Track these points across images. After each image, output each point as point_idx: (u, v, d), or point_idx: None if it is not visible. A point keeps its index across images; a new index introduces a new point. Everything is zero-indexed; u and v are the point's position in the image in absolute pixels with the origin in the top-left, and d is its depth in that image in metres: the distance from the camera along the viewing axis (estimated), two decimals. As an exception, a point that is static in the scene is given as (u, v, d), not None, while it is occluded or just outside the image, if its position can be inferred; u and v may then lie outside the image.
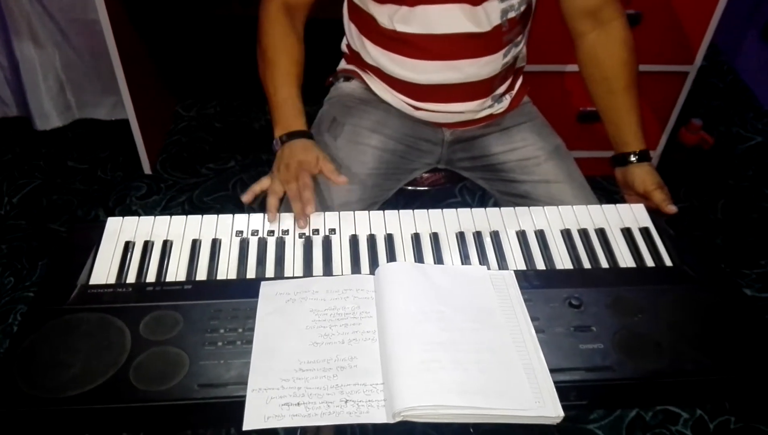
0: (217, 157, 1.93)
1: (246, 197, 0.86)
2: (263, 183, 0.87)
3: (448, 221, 0.84)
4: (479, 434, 1.21)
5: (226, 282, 0.75)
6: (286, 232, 0.82)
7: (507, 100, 1.06)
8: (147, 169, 1.88)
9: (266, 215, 0.83)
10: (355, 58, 1.05)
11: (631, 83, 0.94)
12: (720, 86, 2.24)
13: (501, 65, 0.98)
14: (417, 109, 1.02)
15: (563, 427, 1.29)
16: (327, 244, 0.80)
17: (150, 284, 0.73)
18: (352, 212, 0.84)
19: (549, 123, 1.09)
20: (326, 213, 0.84)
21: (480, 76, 0.96)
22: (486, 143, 1.06)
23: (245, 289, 0.71)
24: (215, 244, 0.80)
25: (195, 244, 0.79)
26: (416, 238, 0.81)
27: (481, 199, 1.75)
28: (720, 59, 2.34)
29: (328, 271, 0.76)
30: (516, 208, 0.86)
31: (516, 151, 1.04)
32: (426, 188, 1.10)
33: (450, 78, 0.95)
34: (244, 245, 0.80)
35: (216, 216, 0.83)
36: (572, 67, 1.63)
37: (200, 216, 0.83)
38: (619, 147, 0.95)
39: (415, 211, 0.86)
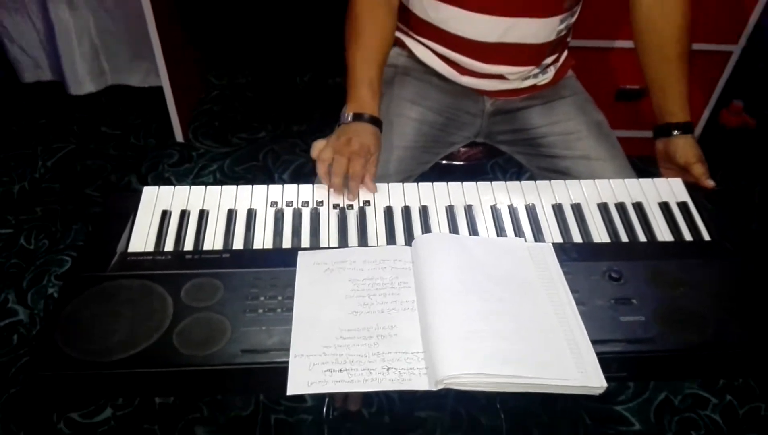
0: (249, 126, 1.93)
1: (313, 152, 0.86)
2: (320, 144, 0.86)
3: (482, 194, 0.84)
4: (507, 415, 1.21)
5: (263, 251, 0.75)
6: (320, 203, 0.83)
7: (552, 72, 1.05)
8: (179, 137, 1.88)
9: (315, 181, 0.83)
10: (400, 19, 1.02)
11: (684, 51, 0.93)
12: (764, 68, 2.18)
13: (556, 32, 0.97)
14: (463, 72, 1.02)
15: (591, 407, 1.29)
16: (362, 215, 0.81)
17: (188, 252, 0.74)
18: (386, 185, 0.85)
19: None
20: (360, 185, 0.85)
21: (535, 39, 0.95)
22: (527, 116, 1.05)
23: (282, 258, 0.72)
24: (251, 214, 0.80)
25: (231, 214, 0.80)
26: (450, 211, 0.81)
27: (514, 177, 1.74)
28: (766, 40, 2.27)
29: (363, 242, 0.76)
30: (552, 181, 0.86)
31: (557, 125, 1.03)
32: (460, 163, 1.11)
33: (506, 36, 0.94)
34: (279, 216, 0.80)
35: (250, 187, 0.84)
36: (614, 43, 1.60)
37: (235, 186, 0.83)
38: (663, 117, 0.94)
39: (449, 183, 0.86)
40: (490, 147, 1.13)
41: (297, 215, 0.80)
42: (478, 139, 1.11)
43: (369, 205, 0.82)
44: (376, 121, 0.89)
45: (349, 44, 0.92)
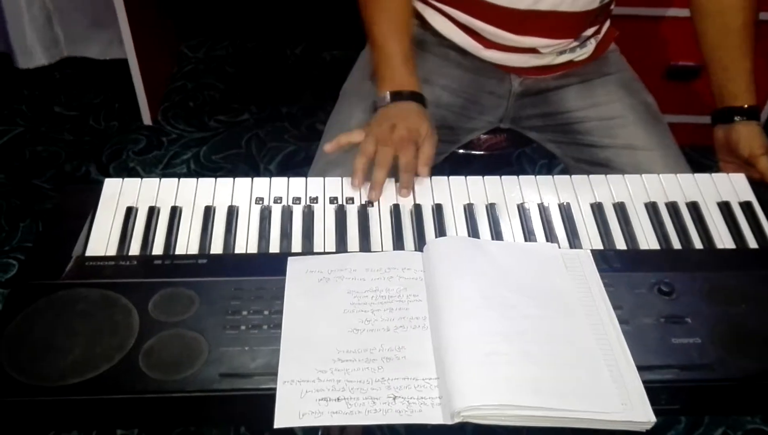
0: (229, 108, 1.92)
1: (329, 147, 0.87)
2: (354, 135, 0.86)
3: (507, 190, 0.84)
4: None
5: (247, 257, 0.75)
6: (314, 199, 0.82)
7: (592, 46, 1.04)
8: (147, 119, 1.86)
9: (351, 178, 0.83)
10: None
11: (748, 22, 0.92)
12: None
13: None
14: (487, 46, 1.01)
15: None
16: (364, 214, 0.80)
17: (158, 257, 0.73)
18: (392, 179, 0.84)
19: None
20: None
21: (573, 7, 0.94)
22: (562, 97, 1.05)
23: (269, 265, 0.72)
24: (232, 213, 0.80)
25: (208, 212, 0.80)
26: (470, 210, 0.81)
27: (544, 169, 1.72)
28: None
29: (365, 246, 0.76)
30: (590, 175, 0.86)
31: (598, 108, 1.02)
32: (481, 153, 1.10)
33: (539, 3, 0.93)
34: (265, 214, 0.80)
35: (231, 179, 0.84)
36: (665, 12, 1.58)
37: (213, 179, 0.84)
38: (724, 99, 0.93)
39: (468, 178, 0.86)
40: (516, 134, 1.12)
41: (287, 214, 0.80)
42: (502, 124, 1.10)
43: (372, 204, 0.82)
44: (419, 98, 0.89)
45: (371, 14, 0.92)
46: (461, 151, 1.10)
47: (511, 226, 0.80)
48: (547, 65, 1.03)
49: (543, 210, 0.81)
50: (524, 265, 0.72)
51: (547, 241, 0.78)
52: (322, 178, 0.84)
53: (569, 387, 0.60)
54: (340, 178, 0.85)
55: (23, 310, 0.66)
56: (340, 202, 0.82)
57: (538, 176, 0.86)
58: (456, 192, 0.83)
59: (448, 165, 1.09)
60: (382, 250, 0.76)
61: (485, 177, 0.85)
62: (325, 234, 0.78)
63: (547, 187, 0.84)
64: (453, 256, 0.72)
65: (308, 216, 0.80)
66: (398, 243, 0.77)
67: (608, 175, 0.85)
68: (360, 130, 0.87)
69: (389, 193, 0.84)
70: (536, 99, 1.06)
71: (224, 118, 1.90)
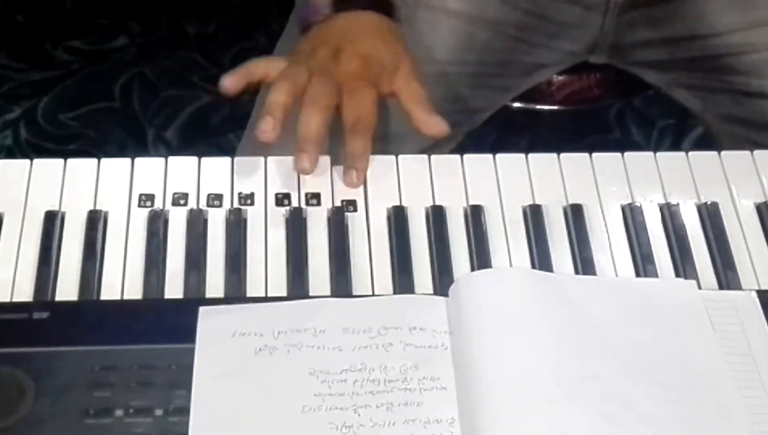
0: (90, 25, 1.96)
1: (229, 81, 0.89)
2: (270, 64, 0.91)
3: (603, 177, 0.85)
4: None
5: (123, 305, 0.76)
6: (248, 197, 0.84)
7: None
8: None
9: (255, 130, 0.85)
10: None
11: None
12: None
13: None
14: None
15: None
16: (339, 224, 0.82)
17: (-44, 309, 0.73)
18: (393, 158, 0.87)
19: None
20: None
21: None
22: (701, 9, 1.07)
23: (164, 321, 0.73)
24: (94, 222, 0.81)
25: (51, 223, 0.80)
26: (532, 216, 0.82)
27: (667, 137, 1.76)
28: None
29: (342, 286, 0.77)
30: (755, 151, 0.87)
31: (763, 30, 1.04)
32: (553, 107, 1.13)
33: None
34: (157, 226, 0.81)
35: (94, 160, 0.85)
36: None
37: (61, 160, 0.85)
38: None
39: (531, 155, 0.86)
40: (619, 74, 1.14)
41: (196, 222, 0.81)
42: (593, 57, 1.13)
43: (354, 205, 0.83)
44: (385, 6, 0.94)
45: None
46: (516, 104, 1.12)
47: (609, 245, 0.81)
48: None
49: (668, 216, 0.82)
50: (636, 321, 0.73)
51: (678, 273, 0.79)
52: (262, 160, 0.86)
53: None
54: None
55: None
56: (295, 203, 0.83)
57: (660, 153, 0.86)
58: (507, 182, 0.85)
59: (493, 128, 1.12)
60: (373, 294, 0.77)
61: (561, 154, 0.86)
62: (267, 263, 0.79)
63: (675, 171, 0.85)
64: (507, 305, 0.73)
65: (236, 228, 0.81)
66: (402, 279, 0.78)
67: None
68: (282, 58, 0.92)
69: (386, 185, 0.85)
70: (655, 11, 1.09)
71: (82, 45, 1.92)
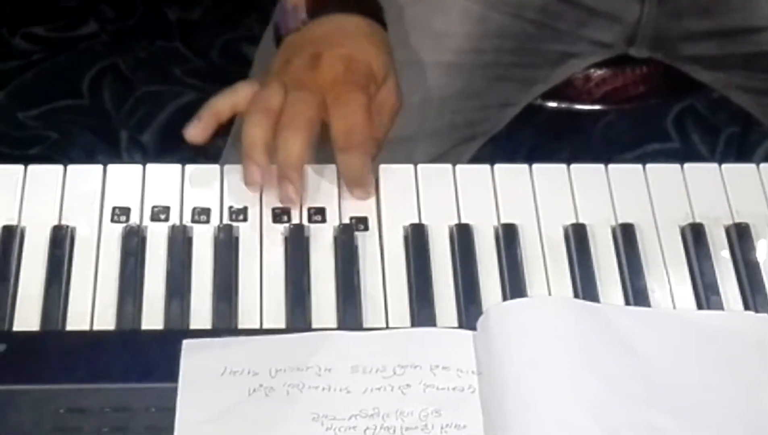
0: (56, 9, 1.97)
1: (196, 130, 0.90)
2: (238, 94, 0.90)
3: (656, 193, 0.85)
4: None
5: (92, 337, 0.76)
6: (239, 213, 0.84)
7: None
8: None
9: (242, 164, 0.85)
10: None
11: None
12: None
13: None
14: None
15: None
16: (347, 245, 0.82)
17: None
18: (410, 167, 0.87)
19: None
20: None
21: None
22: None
23: (142, 357, 0.73)
24: (59, 242, 0.81)
25: (9, 239, 0.81)
26: (575, 235, 0.83)
27: (733, 147, 1.76)
28: None
29: (351, 317, 0.78)
30: None
31: None
32: (590, 107, 1.12)
33: None
34: (133, 244, 0.81)
35: (59, 167, 0.86)
36: None
37: (20, 166, 0.85)
38: None
39: (573, 166, 0.86)
40: (667, 70, 1.14)
41: (179, 241, 0.81)
42: (633, 50, 1.13)
43: (365, 223, 0.84)
44: (368, 7, 0.95)
45: None
46: (551, 103, 1.12)
47: (665, 272, 0.81)
48: None
49: (737, 238, 0.82)
50: (697, 361, 0.73)
51: (747, 305, 0.79)
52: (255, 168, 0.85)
53: None
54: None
55: None
56: (296, 220, 0.83)
57: (726, 165, 0.86)
58: (545, 197, 0.85)
59: (528, 134, 1.11)
60: (387, 327, 0.77)
61: (609, 165, 0.86)
62: (263, 289, 0.79)
63: (745, 186, 0.86)
64: (545, 341, 0.72)
65: (226, 248, 0.81)
66: (422, 310, 0.78)
67: None
68: (249, 83, 0.92)
69: (401, 196, 0.85)
70: (703, 0, 1.09)
71: (44, 32, 1.93)
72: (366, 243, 0.82)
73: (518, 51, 1.08)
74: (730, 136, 1.75)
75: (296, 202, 0.84)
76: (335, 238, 0.82)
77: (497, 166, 0.86)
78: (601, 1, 1.10)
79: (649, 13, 1.10)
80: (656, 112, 1.33)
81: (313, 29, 0.94)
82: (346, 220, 0.83)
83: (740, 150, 1.68)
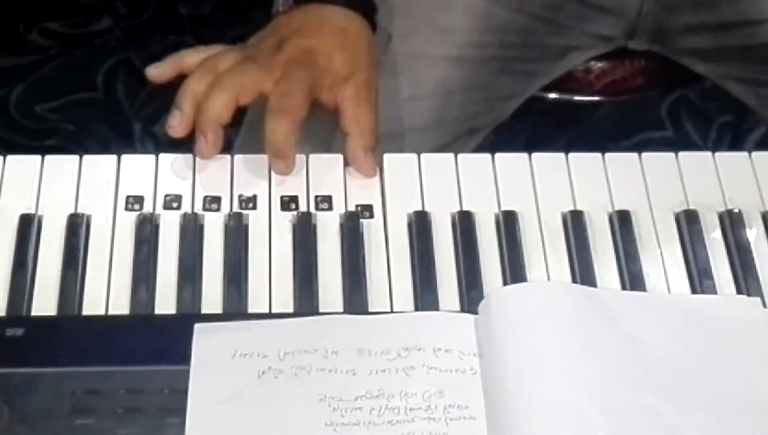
0: (70, 5, 1.96)
1: (157, 70, 0.95)
2: (204, 54, 0.93)
3: (651, 180, 0.86)
4: None
5: (107, 322, 0.76)
6: (249, 201, 0.84)
7: None
8: None
9: (196, 142, 0.86)
10: None
11: None
12: None
13: None
14: None
15: None
16: (353, 232, 0.82)
17: None
18: (409, 157, 0.88)
19: None
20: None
21: None
22: None
23: (155, 340, 0.73)
24: (75, 229, 0.81)
25: (27, 228, 0.81)
26: (573, 222, 0.83)
27: (726, 134, 1.75)
28: None
29: (357, 301, 0.78)
30: None
31: None
32: (591, 98, 1.13)
33: None
34: (146, 232, 0.81)
35: (75, 157, 0.86)
36: None
37: (38, 157, 0.85)
38: None
39: (571, 155, 0.86)
40: (664, 62, 1.14)
41: (191, 228, 0.82)
42: (632, 42, 1.13)
43: (369, 210, 0.84)
44: (360, 4, 0.95)
45: None
46: (551, 95, 1.13)
47: (660, 257, 0.81)
48: None
49: (730, 224, 0.82)
50: (691, 344, 0.73)
51: (740, 289, 0.79)
52: (265, 158, 0.86)
53: None
54: (304, 158, 0.87)
55: None
56: (303, 208, 0.84)
57: (719, 153, 0.86)
58: (544, 185, 0.86)
59: (528, 123, 1.12)
60: (392, 311, 0.77)
61: (606, 154, 0.86)
62: (271, 275, 0.79)
63: (737, 174, 0.86)
64: (544, 324, 0.73)
65: (236, 235, 0.81)
66: (425, 295, 0.78)
67: None
68: (226, 48, 0.95)
69: (401, 187, 0.86)
70: None
71: (60, 28, 1.92)
72: (371, 230, 0.82)
73: (521, 45, 1.08)
74: (723, 125, 1.75)
75: (205, 154, 0.85)
76: (341, 226, 0.82)
77: (498, 155, 0.87)
78: None
79: (648, 7, 1.10)
80: (651, 103, 1.33)
81: (295, 16, 0.94)
82: (352, 208, 0.84)
83: (732, 138, 1.68)
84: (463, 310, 0.76)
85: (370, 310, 0.77)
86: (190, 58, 0.93)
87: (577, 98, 1.14)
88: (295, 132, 0.86)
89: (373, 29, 0.96)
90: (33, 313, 0.76)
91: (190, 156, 0.87)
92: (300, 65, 0.89)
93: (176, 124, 0.85)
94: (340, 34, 0.93)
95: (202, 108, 0.85)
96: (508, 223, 0.82)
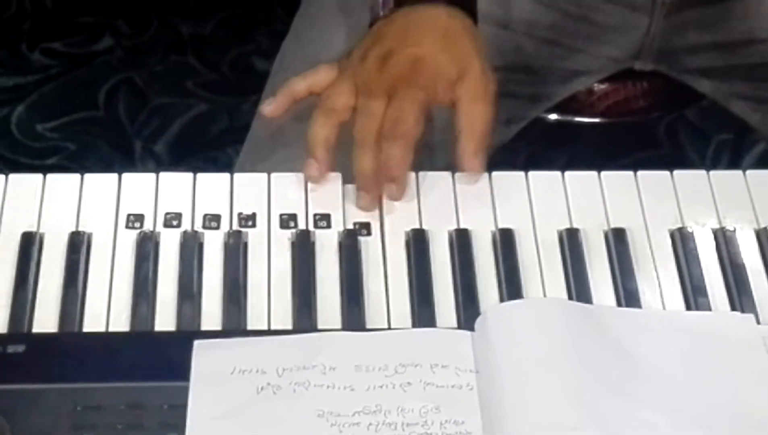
0: (72, 24, 1.96)
1: (272, 107, 0.92)
2: (314, 78, 0.92)
3: (650, 199, 0.85)
4: None
5: (108, 338, 0.76)
6: (248, 218, 0.84)
7: None
8: None
9: (306, 163, 0.86)
10: None
11: None
12: None
13: None
14: None
15: None
16: (351, 249, 0.82)
17: None
18: (411, 174, 0.87)
19: None
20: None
21: None
22: (758, 12, 1.06)
23: (154, 357, 0.73)
24: (75, 246, 0.81)
25: (28, 245, 0.81)
26: (569, 239, 0.83)
27: (725, 153, 1.75)
28: None
29: (355, 318, 0.78)
30: None
31: None
32: (594, 120, 1.13)
33: None
34: (147, 249, 0.81)
35: (77, 176, 0.86)
36: None
37: (39, 175, 0.85)
38: None
39: (567, 173, 0.86)
40: (666, 83, 1.14)
41: (191, 246, 0.82)
42: (638, 63, 1.13)
43: (367, 228, 0.84)
44: (465, 5, 0.94)
45: None
46: (553, 116, 1.12)
47: (656, 274, 0.81)
48: None
49: (724, 242, 0.82)
50: (686, 360, 0.73)
51: (734, 305, 0.79)
52: (265, 176, 0.86)
53: None
54: (302, 176, 0.87)
55: None
56: (302, 226, 0.84)
57: (714, 171, 0.86)
58: (541, 203, 0.85)
59: (526, 143, 1.12)
60: (389, 328, 0.77)
61: (602, 172, 0.86)
62: (270, 292, 0.79)
63: (732, 192, 0.85)
64: (540, 341, 0.73)
65: (235, 253, 0.81)
66: (422, 311, 0.78)
67: None
68: (329, 66, 0.92)
69: (405, 206, 0.86)
70: (707, 12, 1.09)
71: (62, 47, 1.92)
72: (369, 247, 0.82)
73: (528, 70, 1.08)
74: (720, 144, 1.75)
75: (369, 207, 0.85)
76: (340, 243, 0.82)
77: (494, 174, 0.87)
78: (613, 17, 1.09)
79: (656, 27, 1.09)
80: (648, 122, 1.33)
81: (396, 21, 0.92)
82: (350, 226, 0.84)
83: (729, 157, 1.68)
84: (459, 326, 0.76)
85: (368, 326, 0.77)
86: (298, 86, 0.91)
87: (576, 119, 1.14)
88: (410, 156, 0.85)
89: (474, 21, 0.95)
90: (34, 330, 0.76)
91: (190, 174, 0.86)
92: (409, 83, 0.87)
93: (316, 174, 0.85)
94: (444, 34, 0.92)
95: (358, 166, 0.86)
96: (504, 241, 0.82)
